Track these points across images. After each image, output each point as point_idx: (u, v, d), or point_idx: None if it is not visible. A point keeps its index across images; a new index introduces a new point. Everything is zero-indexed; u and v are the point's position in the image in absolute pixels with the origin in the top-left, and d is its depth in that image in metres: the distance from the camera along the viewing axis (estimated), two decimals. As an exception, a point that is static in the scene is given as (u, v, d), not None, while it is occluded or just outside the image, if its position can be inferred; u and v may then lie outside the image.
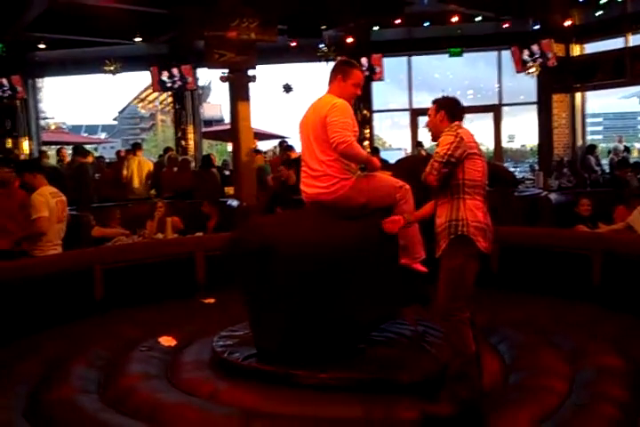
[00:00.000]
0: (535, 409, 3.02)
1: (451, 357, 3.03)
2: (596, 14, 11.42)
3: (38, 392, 3.37)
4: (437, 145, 3.14)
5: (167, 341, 4.09)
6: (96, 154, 15.50)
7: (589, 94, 13.21)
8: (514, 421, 2.94)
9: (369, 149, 11.47)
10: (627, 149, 12.70)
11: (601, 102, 32.11)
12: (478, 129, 13.55)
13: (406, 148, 13.22)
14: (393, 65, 13.40)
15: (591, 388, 3.22)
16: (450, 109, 3.24)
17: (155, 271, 5.16)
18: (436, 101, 3.34)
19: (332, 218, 3.57)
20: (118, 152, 11.76)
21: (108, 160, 13.26)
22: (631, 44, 11.77)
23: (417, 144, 13.00)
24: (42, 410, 3.17)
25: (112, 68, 12.45)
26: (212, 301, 5.04)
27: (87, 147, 17.55)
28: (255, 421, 2.95)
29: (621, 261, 4.66)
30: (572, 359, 3.59)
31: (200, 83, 15.08)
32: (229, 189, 9.48)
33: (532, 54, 11.80)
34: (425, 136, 13.93)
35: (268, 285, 3.44)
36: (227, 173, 10.97)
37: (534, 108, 12.96)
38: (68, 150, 12.19)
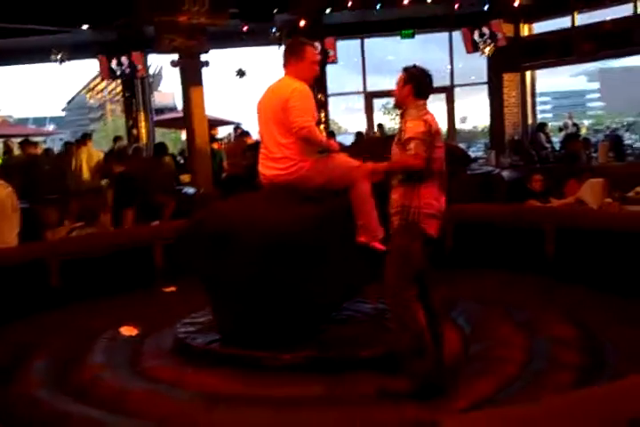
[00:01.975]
0: (495, 379, 3.11)
1: (398, 333, 3.08)
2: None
3: (-2, 386, 3.30)
4: (404, 129, 3.09)
5: (128, 330, 4.05)
6: (44, 146, 15.08)
7: (539, 73, 13.45)
8: (475, 391, 3.01)
9: (325, 134, 11.47)
10: (575, 126, 13.01)
11: (550, 81, 32.80)
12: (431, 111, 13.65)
13: (361, 131, 13.23)
14: (346, 48, 13.37)
15: (547, 356, 3.33)
16: (417, 85, 3.16)
17: (113, 262, 5.09)
18: (405, 70, 3.23)
19: (291, 199, 3.58)
20: (66, 143, 11.47)
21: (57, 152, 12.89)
22: (578, 22, 12.01)
23: (378, 126, 13.05)
24: (3, 404, 3.11)
25: (59, 57, 12.07)
26: (172, 289, 5.00)
27: (35, 139, 17.08)
28: (220, 404, 2.95)
29: (573, 233, 4.80)
30: (528, 330, 3.70)
31: (150, 70, 14.79)
32: (185, 177, 9.37)
33: (482, 35, 11.94)
34: (382, 118, 14.04)
35: (226, 268, 3.43)
36: (181, 161, 10.83)
37: (485, 89, 13.13)
38: (15, 143, 11.82)
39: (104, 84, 29.19)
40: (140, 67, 12.74)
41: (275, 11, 11.55)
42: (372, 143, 4.91)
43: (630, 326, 3.61)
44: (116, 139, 11.37)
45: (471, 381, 3.11)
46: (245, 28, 12.13)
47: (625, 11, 11.34)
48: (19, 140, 11.95)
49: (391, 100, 14.44)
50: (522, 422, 1.69)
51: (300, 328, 3.52)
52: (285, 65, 3.66)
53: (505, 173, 7.08)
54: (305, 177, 3.57)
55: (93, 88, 36.41)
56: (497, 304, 4.18)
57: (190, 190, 7.81)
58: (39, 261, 4.77)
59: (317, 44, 12.15)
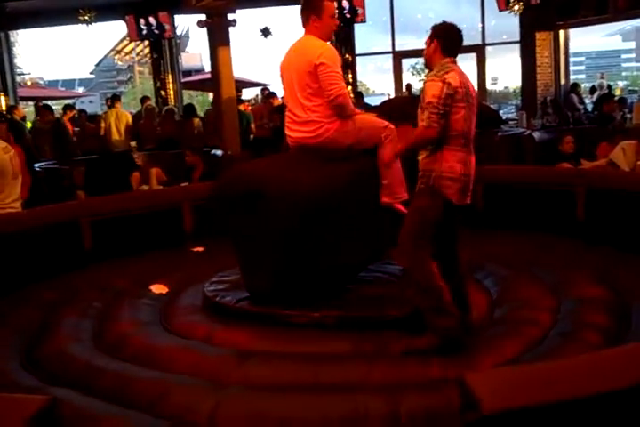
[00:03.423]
0: (521, 340, 3.12)
1: (414, 292, 3.09)
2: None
3: (33, 343, 3.41)
4: (424, 91, 3.05)
5: (159, 288, 4.14)
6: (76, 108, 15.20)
7: (572, 32, 13.01)
8: (500, 352, 3.03)
9: (352, 95, 11.34)
10: (609, 87, 12.63)
11: (584, 41, 31.71)
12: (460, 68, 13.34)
13: (390, 93, 13.04)
14: (375, 6, 13.05)
15: (575, 317, 3.32)
16: (445, 41, 3.07)
17: (142, 222, 5.15)
18: (433, 27, 3.14)
19: (319, 160, 3.57)
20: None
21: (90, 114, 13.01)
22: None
23: (406, 87, 12.83)
24: (38, 360, 3.21)
25: (86, 18, 12.02)
26: (201, 249, 5.07)
27: (65, 102, 17.20)
28: (249, 359, 3.01)
29: (603, 196, 4.72)
30: (555, 291, 3.69)
31: (178, 31, 14.66)
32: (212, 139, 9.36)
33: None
34: (410, 79, 13.77)
35: (258, 228, 3.46)
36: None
37: (517, 49, 12.76)
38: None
39: (132, 45, 28.99)
40: (167, 27, 12.65)
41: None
42: (399, 103, 4.83)
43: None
44: (144, 99, 11.38)
45: (496, 342, 3.12)
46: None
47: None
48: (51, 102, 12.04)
49: (420, 60, 14.21)
50: (546, 378, 1.71)
51: (329, 287, 3.56)
52: (305, 23, 3.58)
53: (536, 135, 6.93)
54: (332, 139, 3.55)
55: (121, 50, 36.25)
56: (525, 266, 4.16)
57: (218, 152, 7.82)
58: (69, 222, 4.84)
59: (345, 3, 11.92)
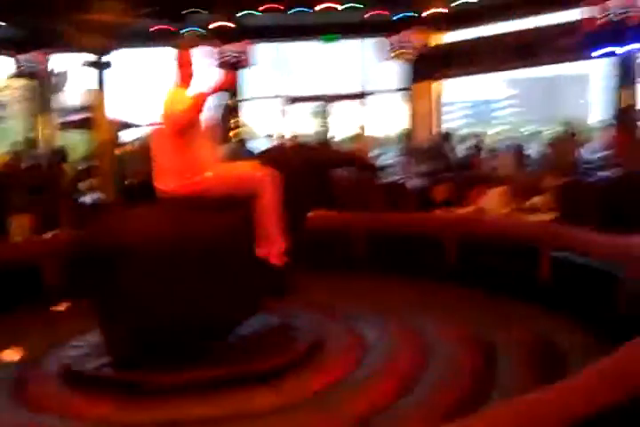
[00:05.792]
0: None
1: None
2: (452, 4, 11.91)
3: None
4: None
5: (10, 354, 3.75)
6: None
7: (450, 82, 13.77)
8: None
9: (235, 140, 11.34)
10: (477, 136, 13.32)
11: (462, 90, 33.88)
12: (347, 116, 13.74)
13: (274, 134, 13.10)
14: (261, 51, 13.20)
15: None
16: None
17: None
18: None
19: (190, 211, 3.44)
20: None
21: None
22: (487, 33, 12.38)
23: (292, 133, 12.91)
24: None
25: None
26: (63, 308, 4.69)
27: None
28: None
29: (474, 243, 4.91)
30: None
31: (61, 69, 14.02)
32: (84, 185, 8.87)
33: (398, 42, 12.13)
34: (297, 124, 13.94)
35: (118, 288, 3.23)
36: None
37: (397, 97, 13.33)
38: None
39: (11, 81, 27.59)
40: (43, 65, 12.12)
41: (186, 11, 11.27)
42: (281, 150, 4.81)
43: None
44: (14, 143, 10.67)
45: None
46: (156, 28, 11.76)
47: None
48: None
49: (311, 104, 14.44)
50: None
51: (199, 345, 3.38)
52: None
53: (412, 182, 7.19)
54: (203, 190, 3.47)
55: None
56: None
57: (87, 199, 7.39)
58: None
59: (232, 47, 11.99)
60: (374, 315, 4.14)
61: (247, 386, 3.10)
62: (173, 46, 3.61)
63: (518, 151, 7.52)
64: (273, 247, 3.60)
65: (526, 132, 20.05)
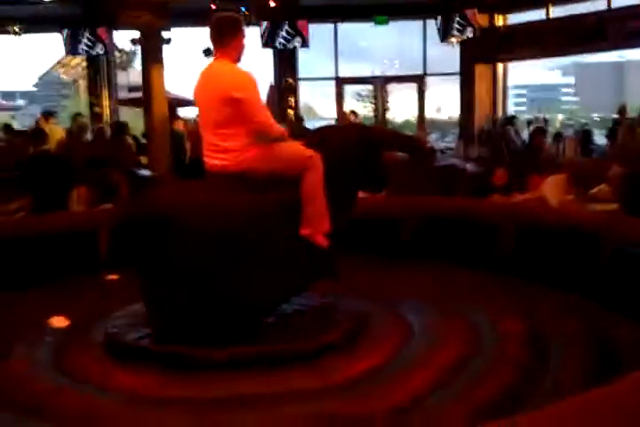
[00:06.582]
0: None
1: None
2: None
3: None
4: None
5: (60, 321, 3.82)
6: (14, 122, 14.65)
7: (512, 66, 13.36)
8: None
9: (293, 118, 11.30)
10: (545, 121, 12.95)
11: (525, 74, 32.84)
12: (404, 99, 13.52)
13: (333, 117, 13.03)
14: (319, 33, 13.09)
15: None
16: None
17: (54, 246, 4.82)
18: None
19: (238, 188, 3.40)
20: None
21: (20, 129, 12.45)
22: (552, 15, 11.92)
23: (351, 113, 12.81)
24: None
25: (15, 30, 11.56)
26: (115, 277, 4.76)
27: (3, 114, 16.51)
28: (147, 406, 2.77)
29: (531, 231, 4.70)
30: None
31: (126, 47, 14.27)
32: (145, 159, 9.05)
33: (458, 24, 11.79)
34: (355, 105, 13.80)
35: (165, 260, 3.22)
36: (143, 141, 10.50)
37: (459, 78, 12.99)
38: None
39: (78, 59, 28.34)
40: (104, 43, 12.35)
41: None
42: (329, 131, 4.71)
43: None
44: (75, 117, 10.97)
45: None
46: (214, 7, 11.78)
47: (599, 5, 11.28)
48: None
49: (365, 87, 14.26)
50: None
51: (242, 322, 3.35)
52: (219, 45, 3.42)
53: (469, 166, 6.96)
54: (251, 167, 3.41)
55: (67, 63, 35.36)
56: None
57: (146, 172, 7.51)
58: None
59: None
60: (420, 302, 4.02)
61: (287, 365, 3.05)
62: (235, 19, 3.50)
63: (586, 137, 7.18)
64: (317, 228, 3.53)
65: (595, 119, 19.30)
